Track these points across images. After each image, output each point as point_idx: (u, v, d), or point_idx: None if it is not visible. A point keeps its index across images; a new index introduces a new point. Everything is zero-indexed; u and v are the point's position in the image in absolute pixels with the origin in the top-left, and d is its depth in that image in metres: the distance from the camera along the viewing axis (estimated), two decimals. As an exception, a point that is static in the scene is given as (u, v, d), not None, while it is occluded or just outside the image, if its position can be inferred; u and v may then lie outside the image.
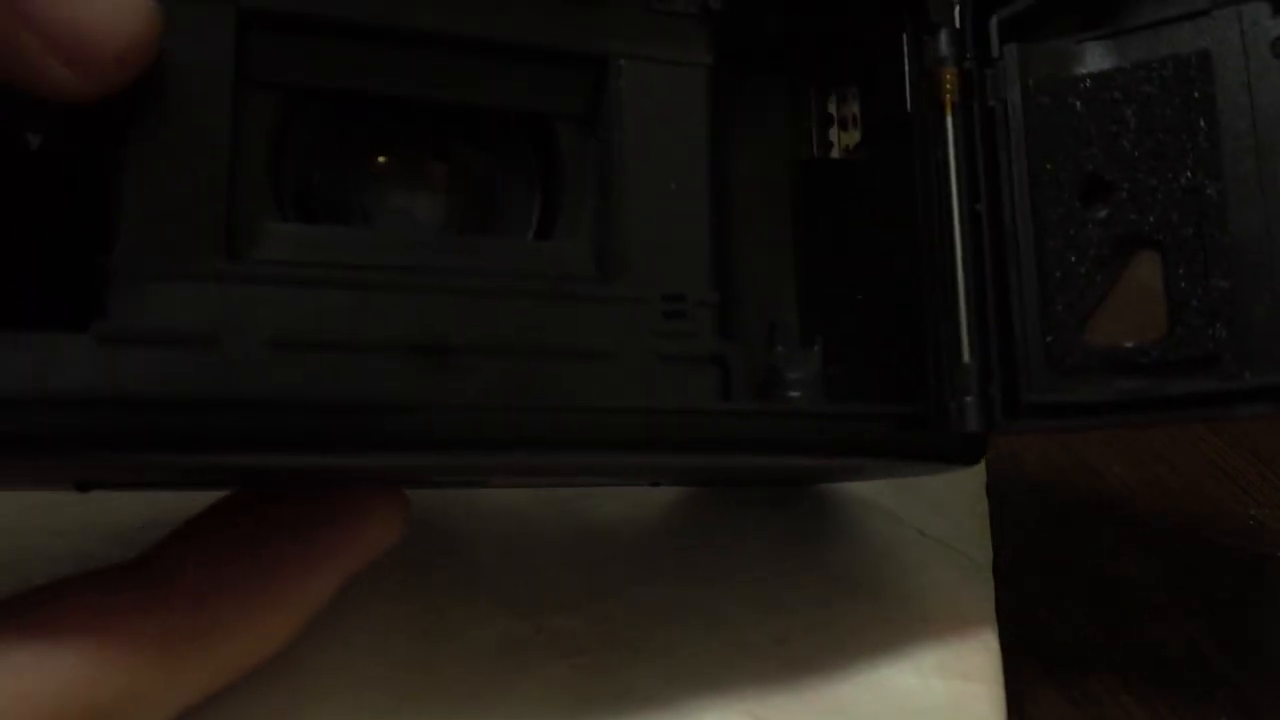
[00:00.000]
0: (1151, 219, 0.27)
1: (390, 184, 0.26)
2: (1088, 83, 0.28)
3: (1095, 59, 0.28)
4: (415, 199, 0.26)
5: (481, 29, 0.25)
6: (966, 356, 0.28)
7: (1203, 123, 0.27)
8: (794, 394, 0.28)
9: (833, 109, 0.32)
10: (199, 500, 0.26)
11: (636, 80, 0.26)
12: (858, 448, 0.26)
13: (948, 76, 0.29)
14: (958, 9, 0.29)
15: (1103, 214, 0.28)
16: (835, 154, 0.32)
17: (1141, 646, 0.35)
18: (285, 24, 0.24)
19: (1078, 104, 0.28)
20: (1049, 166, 0.28)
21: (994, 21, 0.29)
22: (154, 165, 0.23)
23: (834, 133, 0.32)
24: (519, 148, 0.27)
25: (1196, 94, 0.27)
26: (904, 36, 0.29)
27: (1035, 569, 0.36)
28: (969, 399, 0.28)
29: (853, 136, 0.31)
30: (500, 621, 0.30)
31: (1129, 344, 0.27)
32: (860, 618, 0.33)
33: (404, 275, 0.24)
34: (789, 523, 0.35)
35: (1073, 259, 0.28)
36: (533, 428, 0.23)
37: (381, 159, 0.26)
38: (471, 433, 0.23)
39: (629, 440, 0.24)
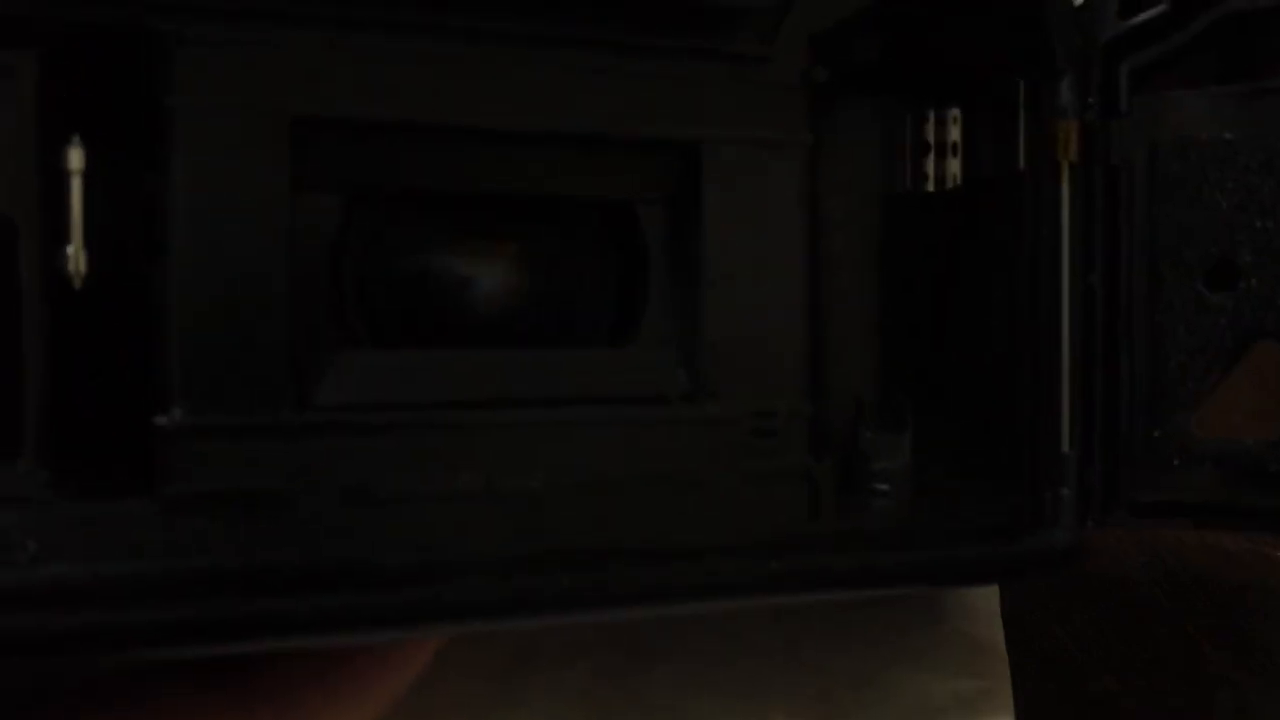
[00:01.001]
0: (1281, 310, 0.25)
1: (462, 292, 0.24)
2: (1225, 148, 0.25)
3: (1237, 120, 0.26)
4: (490, 306, 0.24)
5: (553, 122, 0.22)
6: (1066, 446, 0.26)
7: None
8: (881, 486, 0.27)
9: (929, 135, 0.29)
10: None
11: (728, 164, 0.23)
12: (947, 570, 0.25)
13: (1068, 131, 0.26)
14: (1084, 54, 0.26)
15: (1229, 301, 0.26)
16: (930, 186, 0.29)
17: (1141, 646, 0.35)
18: (345, 126, 0.21)
19: (1211, 171, 0.26)
20: (1173, 241, 0.26)
21: (1124, 69, 0.26)
22: (206, 305, 0.20)
23: (930, 162, 0.29)
24: (600, 241, 0.24)
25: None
26: (1021, 84, 0.26)
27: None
28: (1066, 492, 0.26)
29: (951, 167, 0.29)
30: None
31: (1239, 443, 0.26)
32: (871, 620, 0.32)
33: (483, 412, 0.22)
34: None
35: (1190, 346, 0.26)
36: (612, 583, 0.22)
37: (451, 261, 0.24)
38: (550, 592, 0.21)
39: (708, 585, 0.23)
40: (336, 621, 0.20)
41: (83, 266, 0.20)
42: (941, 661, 0.32)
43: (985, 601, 0.33)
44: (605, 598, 0.22)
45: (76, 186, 0.20)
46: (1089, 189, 0.26)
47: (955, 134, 0.29)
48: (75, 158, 0.20)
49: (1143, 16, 0.26)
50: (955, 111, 0.29)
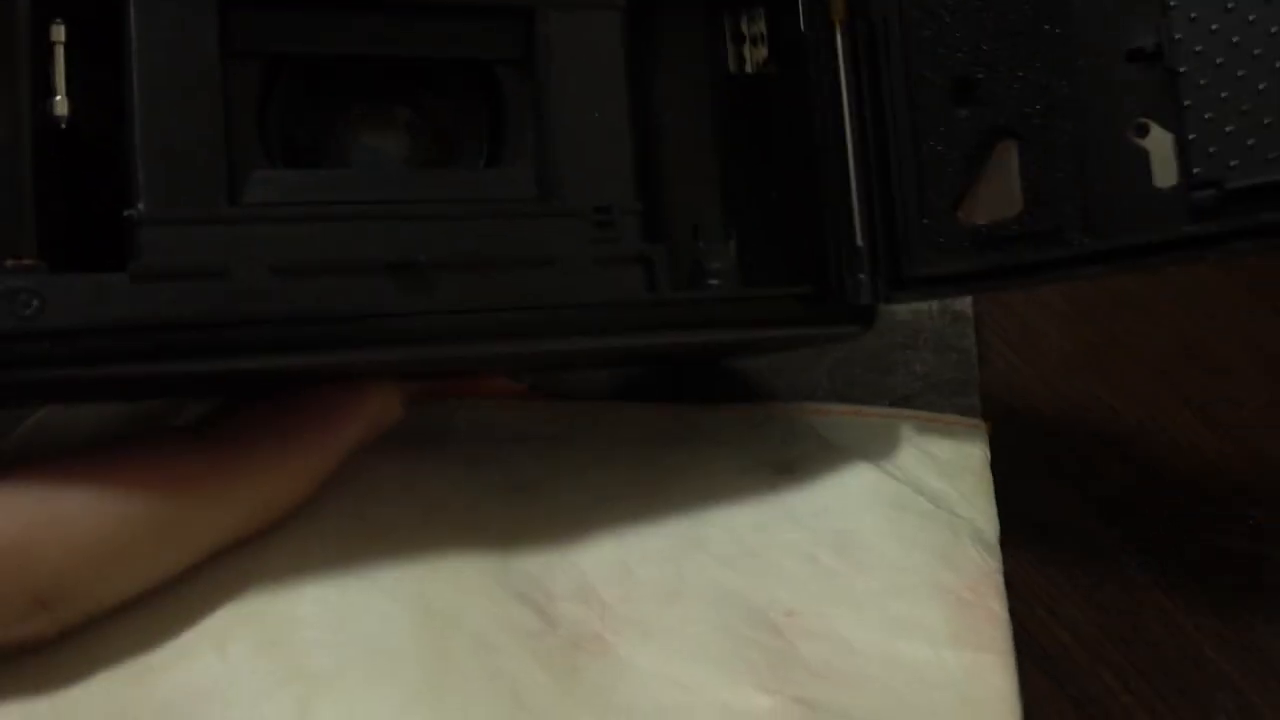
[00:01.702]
0: (1011, 113, 0.32)
1: (361, 130, 0.31)
2: (953, -4, 0.33)
3: (959, -28, 0.33)
4: (383, 141, 0.31)
5: None
6: (859, 240, 0.33)
7: (1051, 26, 0.31)
8: (714, 281, 0.33)
9: (745, 28, 0.36)
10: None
11: (559, 26, 0.31)
12: (767, 322, 0.31)
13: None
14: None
15: (969, 111, 0.33)
16: (749, 69, 0.36)
17: (1141, 646, 0.35)
18: (262, 5, 0.29)
19: (946, 14, 0.33)
20: (923, 71, 0.33)
21: (872, -54, 0.34)
22: (160, 131, 0.28)
23: (746, 49, 0.36)
24: (468, 91, 0.32)
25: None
26: None
27: (1035, 569, 0.37)
28: (861, 276, 0.33)
29: (761, 53, 0.36)
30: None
31: (993, 222, 0.32)
32: (870, 590, 0.33)
33: (377, 207, 0.29)
34: (794, 494, 0.35)
35: (945, 151, 0.33)
36: (489, 325, 0.28)
37: (352, 109, 0.31)
38: (439, 332, 0.28)
39: (572, 328, 0.29)
40: (255, 347, 0.27)
41: (65, 111, 0.27)
42: (944, 632, 0.32)
43: (988, 572, 0.34)
44: (482, 334, 0.29)
45: (59, 54, 0.28)
46: (855, 40, 0.33)
47: (761, 26, 0.36)
48: (57, 33, 0.28)
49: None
50: (760, 9, 0.36)
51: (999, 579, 0.34)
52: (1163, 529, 0.38)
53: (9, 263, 0.26)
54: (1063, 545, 0.37)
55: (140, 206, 0.27)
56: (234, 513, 0.30)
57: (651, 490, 0.35)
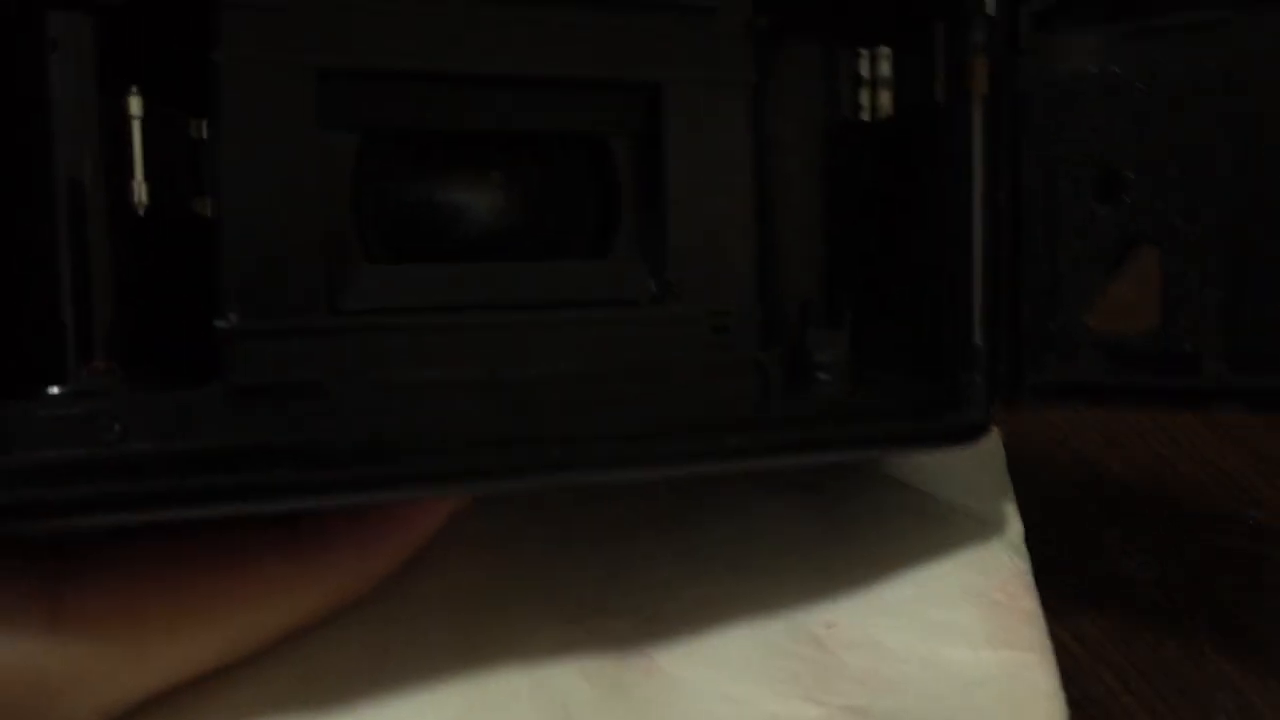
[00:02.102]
0: (1157, 220, 0.30)
1: (461, 214, 0.28)
2: (1112, 80, 0.30)
3: (1120, 55, 0.30)
4: (484, 226, 0.28)
5: (535, 67, 0.26)
6: (978, 337, 0.31)
7: (1222, 132, 0.29)
8: (823, 376, 0.31)
9: (865, 70, 0.33)
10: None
11: (685, 103, 0.28)
12: (880, 441, 0.29)
13: (978, 67, 0.30)
14: (991, -1, 0.30)
15: (1113, 210, 0.30)
16: (866, 116, 0.33)
17: (1141, 646, 0.35)
18: (361, 76, 0.25)
19: (1100, 100, 0.30)
20: (1067, 160, 0.30)
21: (1024, 12, 0.30)
22: (253, 224, 0.25)
23: (866, 94, 0.33)
24: (579, 172, 0.29)
25: (1219, 101, 0.29)
26: (937, 26, 0.30)
27: (1035, 569, 0.36)
28: (977, 378, 0.31)
29: (884, 98, 0.33)
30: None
31: (1126, 335, 0.30)
32: (904, 597, 0.33)
33: (482, 312, 0.26)
34: (823, 507, 0.35)
35: (1081, 250, 0.30)
36: (597, 455, 0.26)
37: (452, 190, 0.28)
38: (544, 461, 0.26)
39: (678, 453, 0.27)
40: (366, 483, 0.25)
41: (145, 197, 0.24)
42: (981, 633, 0.32)
43: (1019, 573, 0.34)
44: (589, 464, 0.26)
45: (137, 129, 0.24)
46: (997, 117, 0.30)
47: (886, 70, 0.33)
48: (135, 105, 0.24)
49: (1040, -34, 0.30)
50: (886, 50, 0.33)
51: (1029, 578, 0.34)
52: (1163, 529, 0.38)
53: (83, 371, 0.24)
54: (1063, 546, 0.38)
55: (232, 316, 0.24)
56: (306, 605, 0.28)
57: (688, 509, 0.35)
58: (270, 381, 0.24)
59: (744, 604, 0.32)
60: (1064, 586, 0.36)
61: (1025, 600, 0.33)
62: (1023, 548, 0.35)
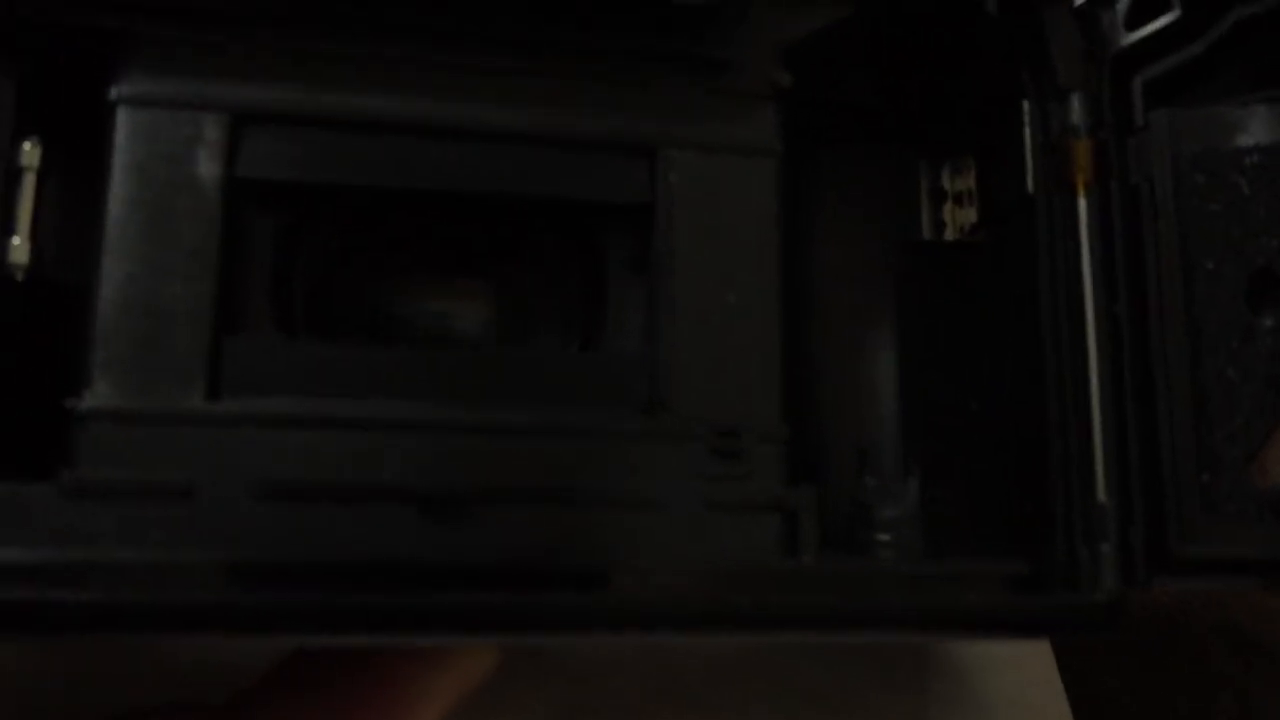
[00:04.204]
0: (1340, 329, 0.22)
1: (409, 294, 0.23)
2: (1255, 156, 0.23)
3: (1265, 127, 0.23)
4: (439, 309, 0.23)
5: (499, 119, 0.22)
6: (1102, 496, 0.23)
7: None
8: (883, 537, 0.24)
9: (946, 183, 0.27)
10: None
11: (691, 172, 0.22)
12: (957, 620, 0.21)
13: (1080, 150, 0.24)
14: (1092, 69, 0.24)
15: (1274, 321, 0.22)
16: (949, 235, 0.27)
17: (1142, 648, 0.34)
18: (287, 123, 0.21)
19: (1243, 182, 0.23)
20: (1207, 260, 0.23)
21: (1138, 83, 0.24)
22: (128, 288, 0.20)
23: (948, 210, 0.27)
24: (558, 251, 0.23)
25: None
26: (1024, 104, 0.24)
27: None
28: (1105, 548, 0.22)
29: (968, 215, 0.27)
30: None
31: (1310, 487, 0.22)
32: (922, 662, 0.31)
33: (415, 405, 0.21)
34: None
35: (1236, 377, 0.23)
36: (558, 606, 0.19)
37: (400, 267, 0.23)
38: (486, 605, 0.19)
39: (667, 612, 0.20)
40: (231, 619, 0.18)
41: (24, 258, 0.20)
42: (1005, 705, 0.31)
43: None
44: (541, 621, 0.19)
45: (29, 182, 0.20)
46: (1106, 211, 0.24)
47: (970, 182, 0.27)
48: (31, 155, 0.20)
49: (1152, 26, 0.24)
50: (969, 159, 0.27)
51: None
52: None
53: None
54: None
55: (88, 394, 0.19)
56: None
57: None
58: (126, 478, 0.19)
59: (766, 673, 0.30)
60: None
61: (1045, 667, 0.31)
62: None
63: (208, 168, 0.20)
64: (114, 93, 0.20)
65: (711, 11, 0.22)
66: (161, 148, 0.20)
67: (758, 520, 0.21)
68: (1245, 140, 0.23)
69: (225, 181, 0.20)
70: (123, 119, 0.20)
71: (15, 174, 0.21)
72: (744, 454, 0.21)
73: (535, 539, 0.20)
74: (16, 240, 0.21)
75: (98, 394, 0.19)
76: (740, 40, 0.22)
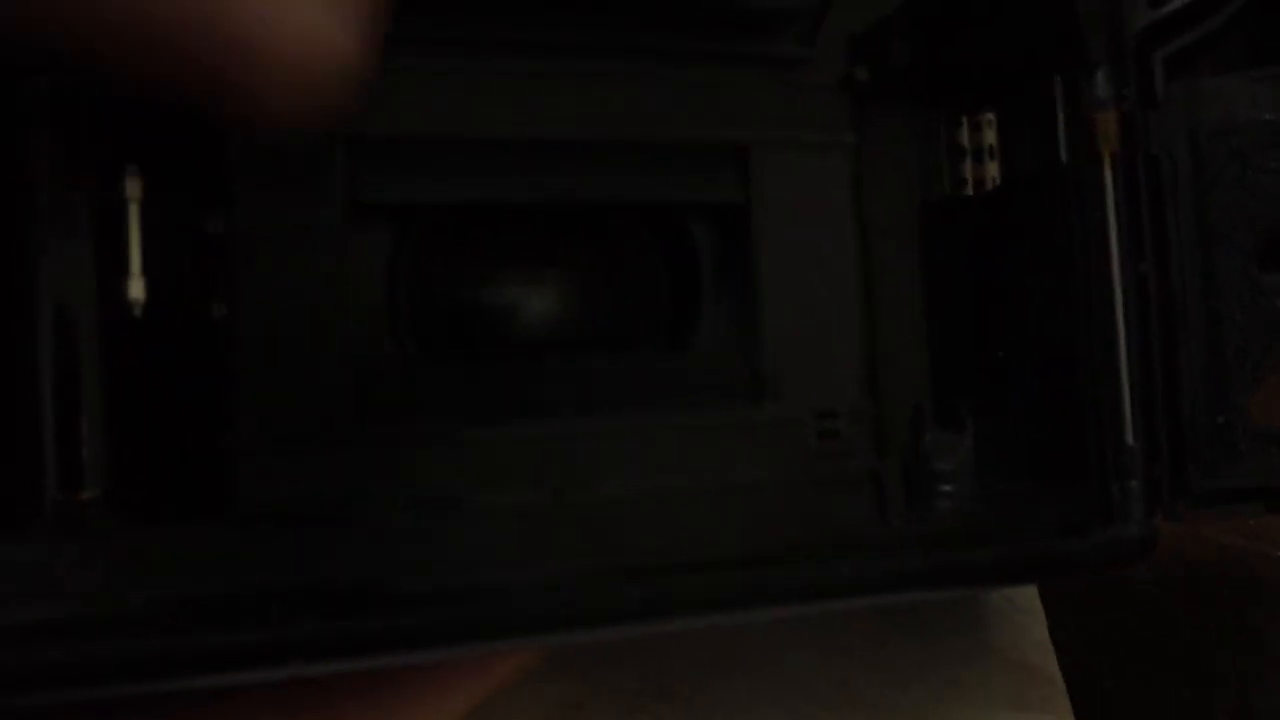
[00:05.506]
0: (1339, 286, 0.25)
1: (512, 301, 0.24)
2: (1265, 129, 0.25)
3: (1273, 101, 0.26)
4: (541, 315, 0.24)
5: (601, 130, 0.22)
6: (1130, 439, 0.26)
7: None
8: (946, 488, 0.26)
9: (964, 140, 0.29)
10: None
11: (779, 170, 0.23)
12: (1022, 565, 0.24)
13: (1107, 123, 0.26)
14: (1117, 45, 0.26)
15: (1282, 280, 0.25)
16: (969, 190, 0.29)
17: (1141, 646, 0.35)
18: (398, 143, 0.21)
19: (1253, 153, 0.26)
20: (1222, 225, 0.26)
21: (1158, 57, 0.26)
22: (266, 324, 0.20)
23: (966, 167, 0.29)
24: (649, 249, 0.24)
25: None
26: (1057, 79, 0.26)
27: None
28: (1133, 485, 0.26)
29: (989, 170, 0.29)
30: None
31: (1310, 425, 0.25)
32: (918, 655, 0.32)
33: (539, 419, 0.22)
34: None
35: (1247, 330, 0.26)
36: (683, 595, 0.21)
37: (501, 273, 0.24)
38: (623, 603, 0.21)
39: (784, 591, 0.22)
40: (404, 639, 0.20)
41: (141, 294, 0.20)
42: (998, 695, 0.31)
43: (1032, 626, 0.33)
44: (677, 608, 0.21)
45: (134, 214, 0.20)
46: (1132, 178, 0.26)
47: (991, 137, 0.29)
48: (133, 186, 0.20)
49: (1173, 5, 0.26)
50: (990, 115, 0.29)
51: (1044, 636, 0.33)
52: (1163, 529, 0.35)
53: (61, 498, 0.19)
54: None
55: (243, 430, 0.20)
56: None
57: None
58: (289, 509, 0.20)
59: (752, 660, 0.31)
60: (1064, 588, 0.35)
61: (1043, 660, 0.32)
62: (1039, 607, 0.34)
63: (329, 194, 0.21)
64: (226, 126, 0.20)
65: (795, 12, 0.23)
66: (281, 179, 0.20)
67: (855, 492, 0.23)
68: (1254, 114, 0.26)
69: (347, 207, 0.21)
70: (244, 152, 0.20)
71: (119, 205, 0.20)
72: (841, 433, 0.23)
73: (668, 533, 0.22)
74: (131, 275, 0.20)
75: (251, 426, 0.20)
76: (818, 37, 0.23)
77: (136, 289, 0.20)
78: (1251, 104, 0.26)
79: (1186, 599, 0.36)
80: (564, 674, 0.30)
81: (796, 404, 0.23)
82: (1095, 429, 0.26)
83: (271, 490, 0.20)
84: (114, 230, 0.20)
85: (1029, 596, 0.34)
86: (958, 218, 0.28)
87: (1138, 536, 0.25)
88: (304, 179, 0.21)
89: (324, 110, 0.17)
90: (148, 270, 0.20)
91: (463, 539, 0.21)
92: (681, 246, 0.24)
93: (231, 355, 0.20)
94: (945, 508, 0.26)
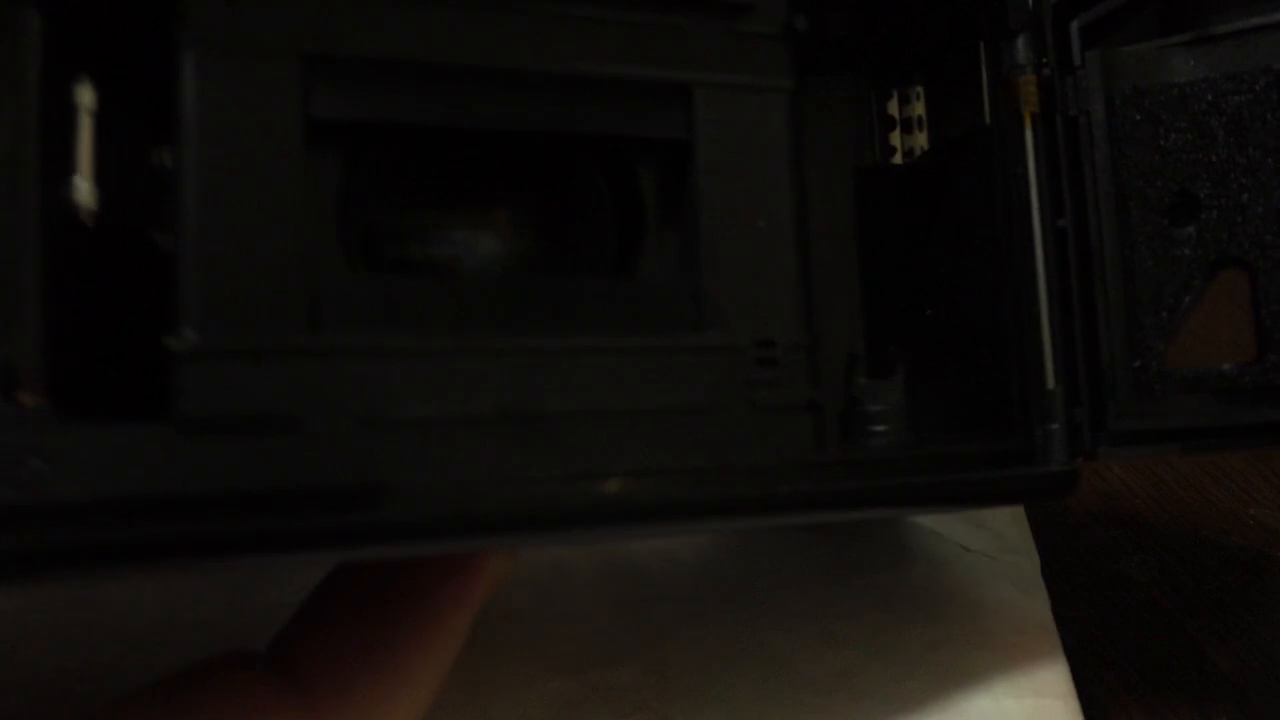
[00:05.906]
0: (1242, 239, 0.26)
1: (459, 228, 0.25)
2: (1175, 93, 0.27)
3: (1183, 68, 0.27)
4: (486, 243, 0.25)
5: (552, 63, 0.23)
6: (1051, 383, 0.27)
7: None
8: (878, 428, 0.27)
9: (894, 111, 0.30)
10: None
11: (722, 110, 0.25)
12: (951, 494, 0.25)
13: (1027, 86, 0.27)
14: (1036, 14, 0.28)
15: (1191, 232, 0.27)
16: (898, 159, 0.30)
17: (1141, 646, 0.35)
18: (353, 63, 0.22)
19: (1164, 116, 0.27)
20: (1135, 182, 0.27)
21: (1074, 27, 0.28)
22: (220, 229, 0.21)
23: (895, 137, 0.30)
24: (596, 181, 0.25)
25: (1291, 106, 0.26)
26: (981, 44, 0.28)
27: None
28: (1055, 427, 0.27)
29: (918, 140, 0.30)
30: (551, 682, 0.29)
31: (1217, 368, 0.27)
32: (921, 643, 0.32)
33: (490, 337, 0.22)
34: (831, 550, 0.34)
35: (1160, 279, 0.27)
36: (632, 499, 0.22)
37: (452, 198, 0.25)
38: (572, 507, 0.22)
39: (727, 500, 0.23)
40: (348, 536, 0.20)
41: (92, 201, 0.21)
42: (1002, 680, 0.31)
43: (1036, 611, 0.33)
44: (622, 515, 0.22)
45: (85, 123, 0.21)
46: (1052, 138, 0.27)
47: (920, 109, 0.30)
48: (83, 94, 0.21)
49: (1088, -23, 0.28)
50: (919, 88, 0.30)
51: (1050, 621, 0.33)
52: (1162, 528, 0.38)
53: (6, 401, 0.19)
54: (1063, 547, 0.37)
55: (187, 333, 0.20)
56: None
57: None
58: (232, 413, 0.20)
59: (752, 653, 0.31)
60: (1064, 586, 0.36)
61: (1043, 643, 0.32)
62: (1041, 587, 0.34)
63: (285, 110, 0.21)
64: (180, 36, 0.21)
65: None
66: (237, 93, 0.21)
67: (793, 419, 0.24)
68: (1165, 79, 0.27)
69: (302, 122, 0.21)
70: (192, 63, 0.21)
71: (69, 112, 0.21)
72: (780, 361, 0.24)
73: (613, 448, 0.23)
74: (80, 180, 0.21)
75: (198, 333, 0.20)
76: None
77: (85, 194, 0.21)
78: (1163, 70, 0.27)
79: (1187, 600, 0.36)
80: (563, 672, 0.30)
81: (736, 331, 0.24)
82: (1018, 375, 0.27)
83: (217, 396, 0.20)
84: (63, 135, 0.20)
85: (1034, 578, 0.34)
86: (888, 184, 0.30)
87: (1060, 474, 0.26)
88: (260, 95, 0.21)
89: None
90: (100, 180, 0.21)
91: (407, 448, 0.21)
92: (629, 180, 0.25)
93: (181, 261, 0.20)
94: (879, 446, 0.27)
